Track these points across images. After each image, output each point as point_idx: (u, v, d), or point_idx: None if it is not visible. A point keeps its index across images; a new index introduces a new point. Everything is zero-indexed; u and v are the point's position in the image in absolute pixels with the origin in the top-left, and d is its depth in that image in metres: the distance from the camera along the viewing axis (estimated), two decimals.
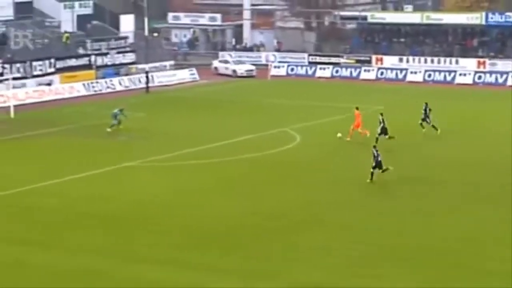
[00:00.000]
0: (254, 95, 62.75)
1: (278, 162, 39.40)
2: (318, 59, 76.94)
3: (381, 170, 34.91)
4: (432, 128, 45.11)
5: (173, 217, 30.70)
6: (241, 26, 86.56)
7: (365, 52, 76.93)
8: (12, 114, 52.73)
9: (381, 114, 42.93)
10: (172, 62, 74.46)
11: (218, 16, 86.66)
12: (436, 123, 45.30)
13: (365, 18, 79.26)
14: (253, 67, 75.07)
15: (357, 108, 44.68)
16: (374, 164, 34.69)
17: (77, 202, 32.77)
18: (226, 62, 76.42)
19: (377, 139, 41.37)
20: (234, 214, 30.87)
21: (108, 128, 47.03)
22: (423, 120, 45.28)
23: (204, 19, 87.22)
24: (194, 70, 72.90)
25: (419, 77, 71.10)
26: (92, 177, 36.64)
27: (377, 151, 34.97)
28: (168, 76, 70.83)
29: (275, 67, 75.35)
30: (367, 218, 30.64)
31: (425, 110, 45.33)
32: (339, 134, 44.16)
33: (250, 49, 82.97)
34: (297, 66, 75.84)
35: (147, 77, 66.46)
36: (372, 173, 34.91)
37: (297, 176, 36.81)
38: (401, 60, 74.14)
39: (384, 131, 42.30)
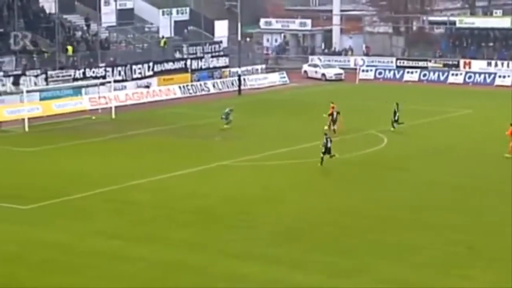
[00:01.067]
0: (343, 98, 61.91)
1: (363, 163, 39.67)
2: (405, 63, 77.16)
3: (329, 156, 38.14)
4: (400, 124, 47.79)
5: (261, 214, 31.32)
6: (330, 31, 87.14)
7: (453, 56, 76.78)
8: (113, 115, 54.54)
9: (333, 107, 47.61)
10: (263, 66, 75.59)
11: (308, 21, 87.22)
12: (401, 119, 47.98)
13: (453, 23, 79.18)
14: (341, 71, 75.69)
15: (332, 102, 47.90)
16: (323, 150, 38.13)
17: (173, 198, 33.67)
18: (315, 66, 77.08)
19: (328, 128, 44.97)
20: (320, 211, 31.48)
21: (225, 125, 48.97)
22: (395, 121, 47.83)
23: (295, 24, 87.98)
24: (285, 74, 73.99)
25: (507, 81, 70.77)
26: (187, 175, 37.58)
27: (327, 138, 38.27)
28: (259, 79, 72.03)
29: (363, 71, 75.83)
30: (452, 218, 30.63)
31: (395, 110, 47.86)
32: (325, 127, 46.44)
33: (339, 53, 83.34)
34: (385, 70, 75.98)
35: (239, 80, 67.91)
36: (322, 158, 38.14)
37: (381, 177, 37.18)
38: (489, 64, 73.97)
39: (334, 121, 46.93)
